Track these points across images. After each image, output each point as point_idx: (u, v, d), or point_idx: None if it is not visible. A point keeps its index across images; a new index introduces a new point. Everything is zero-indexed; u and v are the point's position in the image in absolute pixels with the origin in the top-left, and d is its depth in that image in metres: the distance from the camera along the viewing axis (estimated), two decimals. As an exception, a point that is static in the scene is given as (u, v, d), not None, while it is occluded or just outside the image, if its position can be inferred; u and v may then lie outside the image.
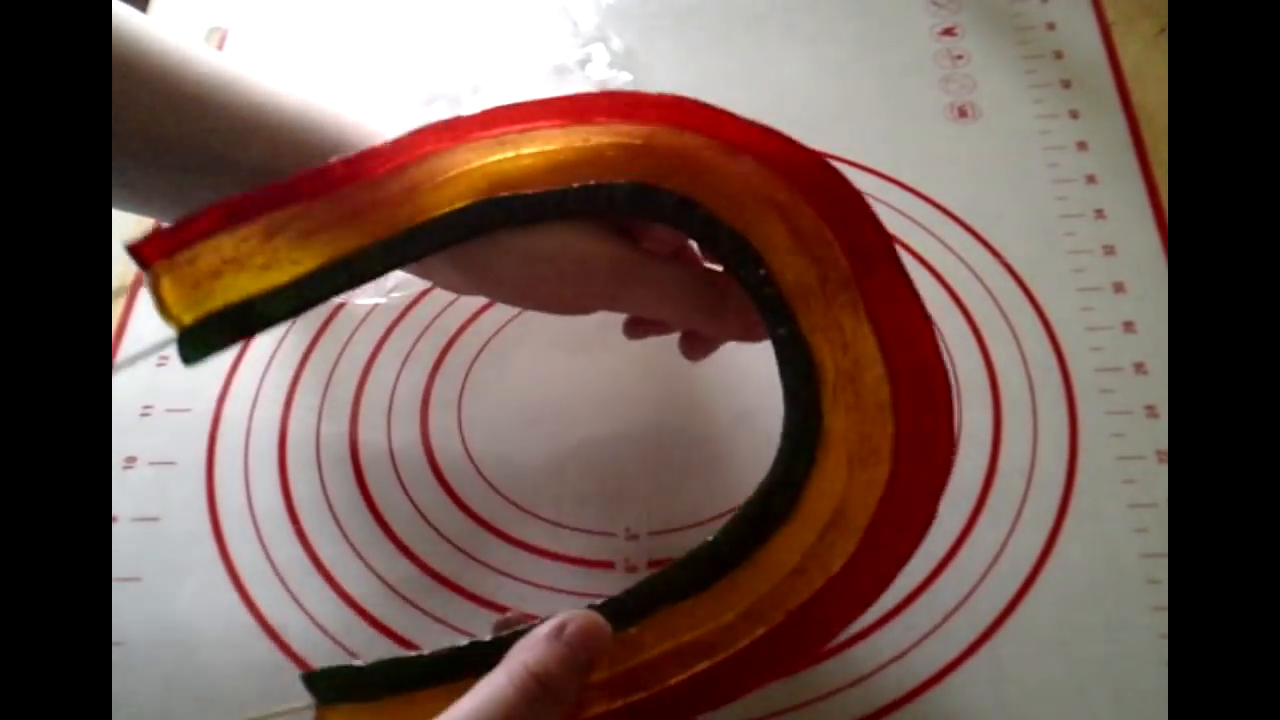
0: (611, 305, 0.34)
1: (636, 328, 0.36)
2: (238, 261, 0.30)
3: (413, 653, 0.28)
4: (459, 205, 0.30)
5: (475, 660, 0.27)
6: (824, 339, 0.28)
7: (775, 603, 0.27)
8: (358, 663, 0.28)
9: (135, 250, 0.29)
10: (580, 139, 0.31)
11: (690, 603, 0.27)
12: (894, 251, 0.29)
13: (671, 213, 0.30)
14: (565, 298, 0.32)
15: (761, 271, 0.29)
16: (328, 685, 0.28)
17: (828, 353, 0.28)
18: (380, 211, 0.30)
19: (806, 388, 0.28)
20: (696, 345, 0.35)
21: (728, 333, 0.33)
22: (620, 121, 0.31)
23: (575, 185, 0.30)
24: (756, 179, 0.30)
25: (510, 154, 0.31)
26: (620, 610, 0.28)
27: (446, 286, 0.36)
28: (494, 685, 0.25)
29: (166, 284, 0.29)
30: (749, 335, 0.33)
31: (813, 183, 0.29)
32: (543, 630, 0.27)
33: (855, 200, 0.29)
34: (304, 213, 0.30)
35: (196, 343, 0.29)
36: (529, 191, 0.30)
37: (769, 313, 0.29)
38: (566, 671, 0.26)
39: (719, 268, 0.32)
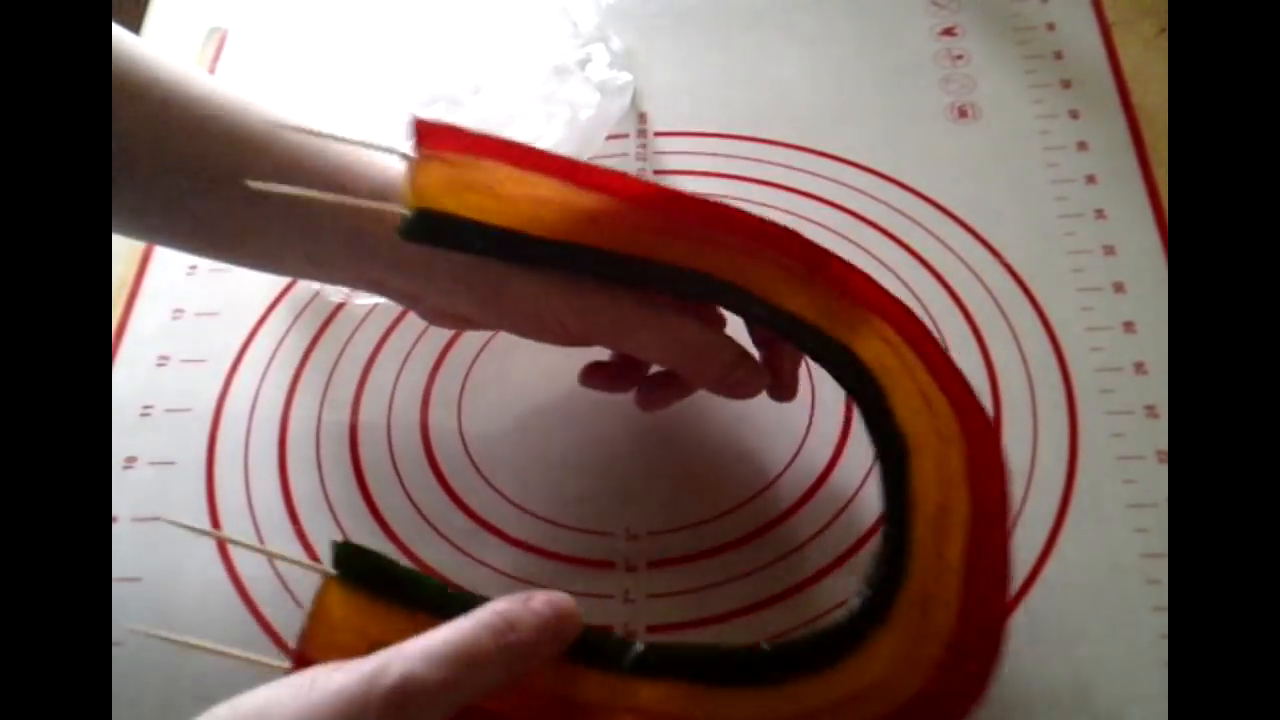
0: (611, 342, 0.34)
1: (592, 378, 0.37)
2: (492, 189, 0.31)
3: (441, 582, 0.29)
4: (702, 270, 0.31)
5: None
6: (927, 535, 0.29)
7: None
8: (391, 559, 0.29)
9: (421, 130, 0.31)
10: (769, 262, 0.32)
11: (700, 689, 0.28)
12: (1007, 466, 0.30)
13: (843, 377, 0.32)
14: (572, 330, 0.32)
15: (896, 440, 0.30)
16: (351, 561, 0.28)
17: (926, 553, 0.29)
18: (625, 227, 0.31)
19: (900, 566, 0.29)
20: (663, 394, 0.36)
21: (712, 385, 0.34)
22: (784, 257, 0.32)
23: (755, 294, 0.31)
24: (895, 351, 0.31)
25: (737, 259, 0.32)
26: (643, 657, 0.28)
27: (438, 313, 0.36)
28: (462, 624, 0.26)
29: (430, 169, 0.31)
30: (737, 390, 0.34)
31: (957, 405, 0.31)
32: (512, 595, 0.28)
33: (982, 418, 0.30)
34: (573, 194, 0.31)
35: (418, 226, 0.31)
36: (755, 295, 0.32)
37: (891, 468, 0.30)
38: (533, 622, 0.27)
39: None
